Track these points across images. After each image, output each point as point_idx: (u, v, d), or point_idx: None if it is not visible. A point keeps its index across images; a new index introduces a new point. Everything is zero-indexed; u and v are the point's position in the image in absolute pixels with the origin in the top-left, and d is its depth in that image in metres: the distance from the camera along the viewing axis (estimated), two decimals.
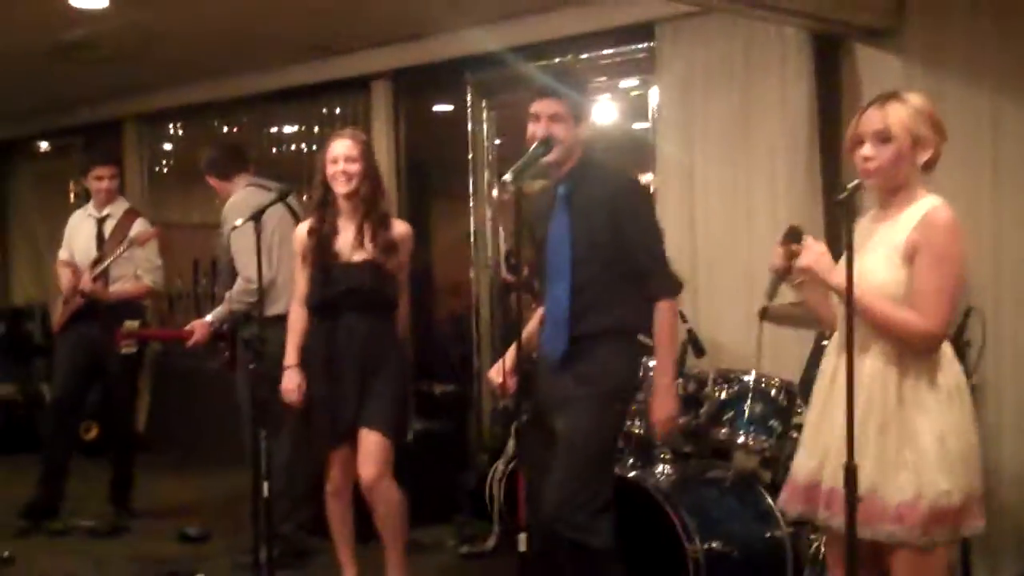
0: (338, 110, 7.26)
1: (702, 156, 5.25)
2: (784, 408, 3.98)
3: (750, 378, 4.01)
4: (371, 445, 4.18)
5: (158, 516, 6.16)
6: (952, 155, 3.06)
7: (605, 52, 5.72)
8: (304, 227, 4.34)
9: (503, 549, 5.32)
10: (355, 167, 4.16)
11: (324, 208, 4.25)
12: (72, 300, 5.95)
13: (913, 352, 2.73)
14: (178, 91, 7.98)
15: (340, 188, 4.17)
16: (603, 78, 5.88)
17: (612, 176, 3.62)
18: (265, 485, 4.05)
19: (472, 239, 6.53)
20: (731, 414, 3.98)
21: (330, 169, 4.18)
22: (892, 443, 2.71)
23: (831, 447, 2.78)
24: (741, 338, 4.63)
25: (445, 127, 6.77)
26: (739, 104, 5.13)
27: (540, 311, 3.82)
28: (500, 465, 5.48)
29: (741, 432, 3.95)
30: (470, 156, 6.51)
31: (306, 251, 4.28)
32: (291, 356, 4.33)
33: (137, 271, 5.93)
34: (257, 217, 4.07)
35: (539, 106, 3.52)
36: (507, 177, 3.28)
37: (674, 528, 3.73)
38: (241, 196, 5.23)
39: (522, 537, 3.27)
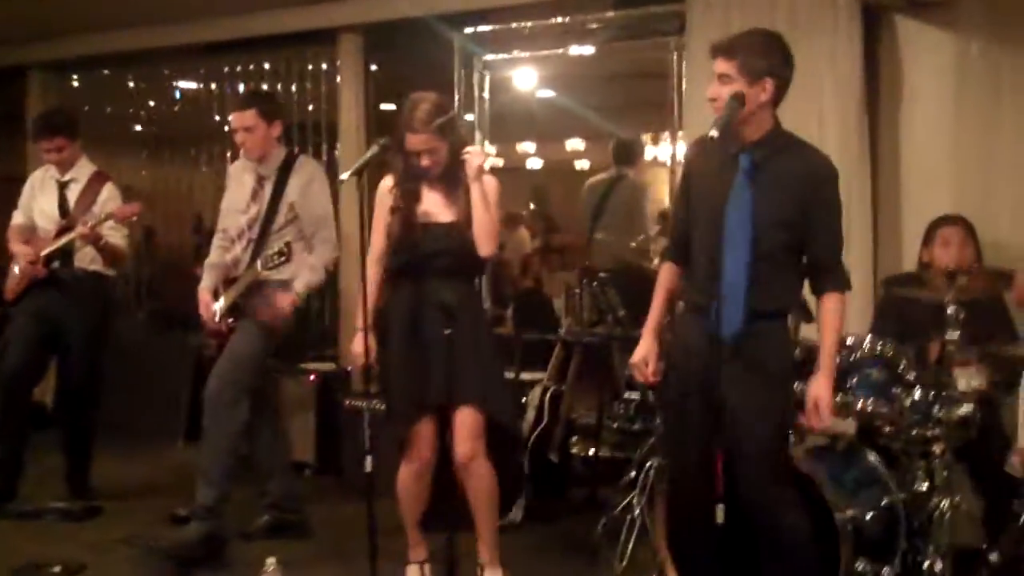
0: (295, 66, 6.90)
1: None
2: (900, 374, 3.94)
3: (867, 344, 3.97)
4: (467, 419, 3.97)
5: (122, 497, 5.68)
6: None
7: (624, 12, 5.61)
8: (388, 182, 4.08)
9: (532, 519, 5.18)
10: (435, 158, 3.98)
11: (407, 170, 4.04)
12: (31, 268, 5.41)
13: None
14: (89, 38, 7.38)
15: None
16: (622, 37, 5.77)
17: (810, 156, 3.42)
18: (368, 460, 3.74)
19: None
20: (853, 380, 3.92)
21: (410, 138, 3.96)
22: None
23: None
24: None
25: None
26: None
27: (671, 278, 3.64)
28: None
29: (861, 399, 3.90)
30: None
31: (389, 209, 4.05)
32: (361, 318, 4.04)
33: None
34: (361, 171, 3.79)
35: (715, 66, 3.33)
36: (713, 132, 3.13)
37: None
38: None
39: (720, 509, 3.12)
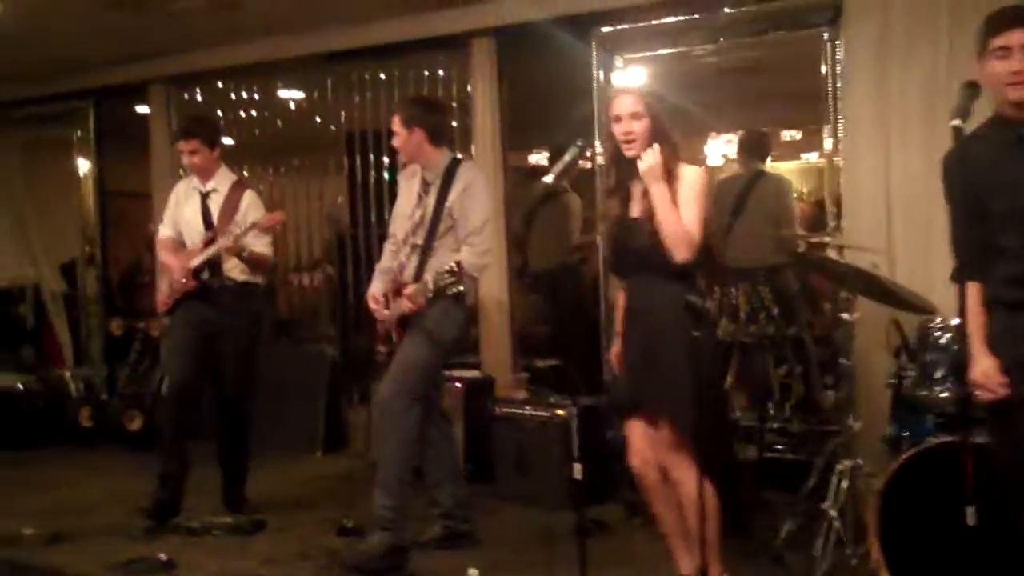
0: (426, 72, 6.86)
1: (899, 115, 5.10)
2: None
3: None
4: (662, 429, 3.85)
5: (277, 510, 5.66)
6: None
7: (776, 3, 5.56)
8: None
9: None
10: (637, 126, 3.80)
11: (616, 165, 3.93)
12: (181, 283, 5.46)
13: None
14: (211, 52, 7.43)
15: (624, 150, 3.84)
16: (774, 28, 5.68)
17: None
18: (577, 467, 3.68)
19: None
20: None
21: (614, 128, 3.83)
22: None
23: None
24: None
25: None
26: (946, 59, 4.97)
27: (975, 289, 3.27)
28: None
29: None
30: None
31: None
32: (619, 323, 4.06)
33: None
34: (564, 175, 3.74)
35: (1009, 39, 3.09)
36: (956, 122, 3.04)
37: None
38: None
39: (970, 511, 3.05)
